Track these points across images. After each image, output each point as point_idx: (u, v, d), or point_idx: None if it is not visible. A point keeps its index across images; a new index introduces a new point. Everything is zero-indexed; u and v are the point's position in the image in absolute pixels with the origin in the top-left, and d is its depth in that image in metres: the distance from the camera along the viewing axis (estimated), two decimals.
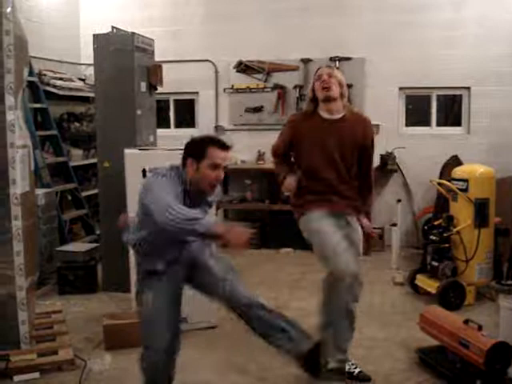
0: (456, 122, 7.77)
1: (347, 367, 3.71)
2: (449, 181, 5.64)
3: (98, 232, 6.96)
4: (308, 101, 3.88)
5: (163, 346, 3.11)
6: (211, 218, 3.15)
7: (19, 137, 4.07)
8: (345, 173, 3.74)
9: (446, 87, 7.60)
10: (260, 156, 7.88)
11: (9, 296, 4.02)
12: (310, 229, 3.70)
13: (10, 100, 3.94)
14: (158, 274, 3.15)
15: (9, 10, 3.92)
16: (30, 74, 6.18)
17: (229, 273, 3.26)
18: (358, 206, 3.85)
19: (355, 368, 3.86)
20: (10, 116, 3.94)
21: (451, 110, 7.90)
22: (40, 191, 5.92)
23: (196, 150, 3.10)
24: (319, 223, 3.63)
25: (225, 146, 3.09)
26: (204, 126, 8.28)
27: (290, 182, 3.85)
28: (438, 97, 7.76)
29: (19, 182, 4.01)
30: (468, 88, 7.50)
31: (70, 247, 6.20)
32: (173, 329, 3.17)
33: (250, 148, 7.89)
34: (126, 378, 3.91)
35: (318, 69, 3.85)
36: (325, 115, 3.75)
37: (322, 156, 3.70)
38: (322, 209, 3.68)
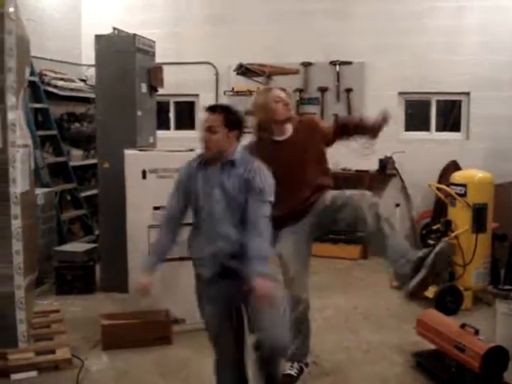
0: (455, 127, 7.79)
1: None
2: (447, 186, 5.66)
3: (96, 232, 6.97)
4: (260, 124, 3.80)
5: None
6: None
7: (20, 136, 4.08)
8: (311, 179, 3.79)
9: (445, 92, 7.62)
10: None
11: (7, 295, 4.02)
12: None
13: (11, 99, 3.95)
14: None
15: (11, 9, 3.93)
16: (31, 73, 6.19)
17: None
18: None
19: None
20: (11, 115, 3.95)
21: (450, 115, 7.92)
22: (39, 191, 5.92)
23: None
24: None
25: (207, 108, 3.10)
26: None
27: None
28: (438, 102, 7.79)
29: (19, 181, 4.01)
30: (467, 93, 7.52)
31: (69, 247, 6.20)
32: None
33: None
34: (123, 378, 3.92)
35: (270, 89, 3.94)
36: (277, 138, 3.80)
37: (288, 176, 3.64)
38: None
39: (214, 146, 3.05)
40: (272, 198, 3.03)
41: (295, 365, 3.87)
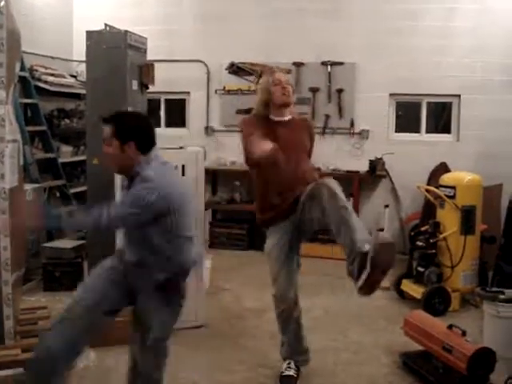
0: (445, 129, 7.82)
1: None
2: (436, 187, 5.68)
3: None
4: (261, 103, 3.84)
5: None
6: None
7: (9, 131, 4.05)
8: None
9: (436, 94, 7.65)
10: None
11: None
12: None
13: (0, 94, 3.92)
14: None
15: (2, 3, 3.90)
16: (22, 69, 6.16)
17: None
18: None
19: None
20: (0, 110, 3.92)
21: (441, 117, 7.95)
22: (28, 187, 5.87)
23: None
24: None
25: (102, 119, 2.90)
26: (194, 126, 8.29)
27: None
28: (428, 104, 7.82)
29: (8, 176, 3.98)
30: (458, 96, 7.55)
31: (57, 244, 6.16)
32: None
33: (240, 150, 7.86)
34: (110, 375, 3.91)
35: (274, 72, 3.94)
36: (276, 118, 3.82)
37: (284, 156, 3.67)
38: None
39: (111, 161, 2.89)
40: (131, 210, 2.76)
41: (292, 365, 3.88)
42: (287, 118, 3.84)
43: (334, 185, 3.44)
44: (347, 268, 3.27)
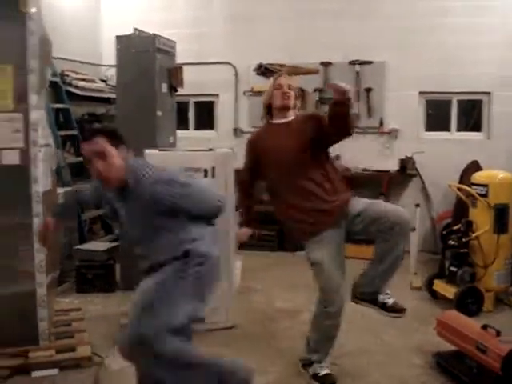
0: (476, 127, 7.73)
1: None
2: (468, 186, 5.61)
3: (116, 232, 7.01)
4: (264, 107, 3.91)
5: None
6: None
7: (42, 136, 4.12)
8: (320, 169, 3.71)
9: (466, 92, 7.55)
10: None
11: (29, 292, 4.07)
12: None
13: (33, 99, 3.99)
14: None
15: (34, 10, 3.98)
16: (53, 74, 6.27)
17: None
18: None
19: (389, 299, 3.85)
20: (33, 115, 3.99)
21: (471, 115, 7.85)
22: (61, 190, 5.96)
23: None
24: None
25: (83, 138, 2.89)
26: (223, 128, 8.33)
27: (243, 232, 4.03)
28: (459, 102, 7.73)
29: (41, 180, 4.06)
30: (488, 93, 7.46)
31: (89, 246, 6.24)
32: None
33: None
34: None
35: (278, 76, 3.92)
36: (276, 121, 3.85)
37: (288, 163, 3.67)
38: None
39: (114, 173, 2.84)
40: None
41: (323, 363, 3.88)
42: (287, 119, 3.83)
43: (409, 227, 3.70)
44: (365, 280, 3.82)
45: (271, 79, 4.01)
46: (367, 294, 3.78)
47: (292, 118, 3.83)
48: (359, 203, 3.66)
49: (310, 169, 3.66)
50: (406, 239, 3.63)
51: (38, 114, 4.06)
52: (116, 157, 2.78)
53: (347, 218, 3.65)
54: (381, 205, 3.73)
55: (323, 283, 3.68)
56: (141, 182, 2.82)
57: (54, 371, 3.99)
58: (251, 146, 3.90)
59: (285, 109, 3.80)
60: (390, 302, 3.78)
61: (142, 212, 2.85)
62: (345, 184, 3.79)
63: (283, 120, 3.82)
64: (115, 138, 2.82)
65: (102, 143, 2.77)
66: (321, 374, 3.83)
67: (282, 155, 3.66)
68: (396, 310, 3.76)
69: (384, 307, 3.77)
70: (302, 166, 3.65)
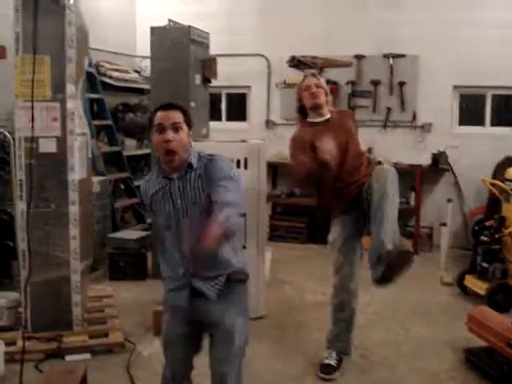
0: (511, 122, 7.61)
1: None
2: (502, 181, 5.55)
3: (148, 221, 7.10)
4: (297, 110, 4.00)
5: None
6: None
7: (78, 125, 4.20)
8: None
9: (501, 86, 7.44)
10: None
11: (64, 278, 4.17)
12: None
13: (70, 89, 4.07)
14: None
15: (72, 1, 4.05)
16: (89, 64, 6.35)
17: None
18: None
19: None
20: (70, 104, 4.07)
21: (505, 109, 7.74)
22: (95, 179, 6.07)
23: (149, 123, 2.80)
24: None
25: (164, 106, 2.72)
26: (255, 119, 8.35)
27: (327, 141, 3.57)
28: (493, 96, 7.62)
29: (77, 168, 4.14)
30: None
31: (122, 234, 6.34)
32: None
33: None
34: None
35: (305, 77, 3.97)
36: (312, 120, 3.91)
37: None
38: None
39: (181, 148, 2.67)
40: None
41: (334, 354, 3.93)
42: (325, 117, 3.90)
43: (393, 173, 3.71)
44: (368, 254, 3.60)
45: (300, 78, 4.08)
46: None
47: (328, 115, 3.91)
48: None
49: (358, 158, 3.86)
50: (385, 181, 3.60)
51: (75, 104, 4.14)
52: (188, 136, 2.73)
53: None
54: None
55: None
56: (206, 164, 2.72)
57: (87, 356, 4.08)
58: (300, 141, 3.85)
59: (317, 107, 3.89)
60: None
61: (199, 195, 2.69)
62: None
63: (321, 118, 3.89)
64: (190, 121, 2.78)
65: (180, 116, 2.71)
66: (324, 362, 3.91)
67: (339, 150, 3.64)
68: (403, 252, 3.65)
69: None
70: (356, 157, 3.83)
